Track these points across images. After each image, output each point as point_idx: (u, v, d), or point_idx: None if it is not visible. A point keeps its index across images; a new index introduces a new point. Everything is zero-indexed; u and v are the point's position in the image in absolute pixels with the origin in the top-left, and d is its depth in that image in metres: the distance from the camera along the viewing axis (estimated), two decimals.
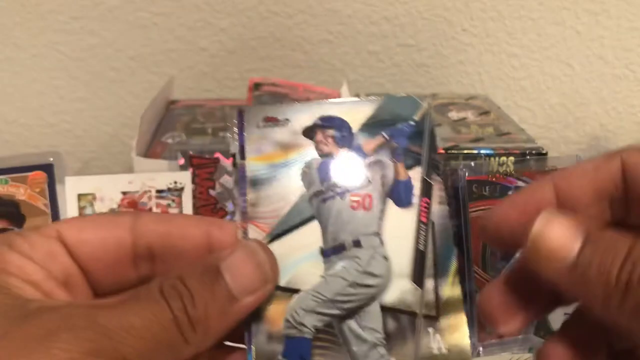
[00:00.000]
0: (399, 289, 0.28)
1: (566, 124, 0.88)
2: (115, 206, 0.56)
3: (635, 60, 0.85)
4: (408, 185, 0.30)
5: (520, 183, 0.57)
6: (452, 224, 0.29)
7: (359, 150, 0.30)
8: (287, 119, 0.31)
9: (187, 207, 0.57)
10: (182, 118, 0.71)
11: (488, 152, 0.59)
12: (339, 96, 0.73)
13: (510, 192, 0.57)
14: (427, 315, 0.28)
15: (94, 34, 0.80)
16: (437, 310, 0.28)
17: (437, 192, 0.30)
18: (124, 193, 0.57)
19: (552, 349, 0.27)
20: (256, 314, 0.27)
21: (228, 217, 0.58)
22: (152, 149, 0.64)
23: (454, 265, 0.29)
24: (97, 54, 0.81)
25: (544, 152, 0.60)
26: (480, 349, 0.56)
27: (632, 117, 0.88)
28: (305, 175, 0.30)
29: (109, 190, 0.56)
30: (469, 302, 0.55)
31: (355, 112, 0.31)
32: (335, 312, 0.28)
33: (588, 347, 0.28)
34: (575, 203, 0.28)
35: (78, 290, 0.27)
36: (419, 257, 0.29)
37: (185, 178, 0.57)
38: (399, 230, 0.29)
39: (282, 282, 0.28)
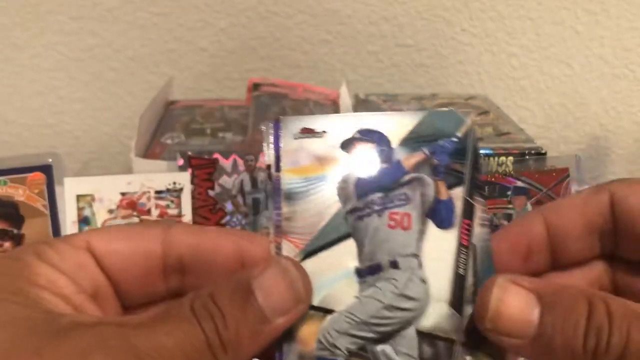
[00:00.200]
0: (437, 313, 0.27)
1: (566, 124, 0.88)
2: (114, 207, 0.56)
3: (635, 60, 0.85)
4: (449, 205, 0.29)
5: (519, 183, 0.57)
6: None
7: (398, 166, 0.29)
8: (324, 131, 0.29)
9: (186, 207, 0.57)
10: (181, 118, 0.71)
11: (487, 152, 0.59)
12: (338, 96, 0.73)
13: (509, 192, 0.57)
14: (465, 343, 0.27)
15: (93, 35, 0.80)
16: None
17: (479, 213, 0.28)
18: (123, 194, 0.57)
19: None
20: (288, 334, 0.26)
21: (227, 217, 0.58)
22: (151, 149, 0.64)
23: None
24: (97, 55, 0.81)
25: (543, 152, 0.60)
26: None
27: (632, 116, 0.88)
28: (342, 191, 0.29)
29: (108, 191, 0.56)
30: None
31: (395, 125, 0.30)
32: (370, 335, 0.27)
33: None
34: (565, 237, 0.28)
35: (107, 303, 0.27)
36: (459, 282, 0.28)
37: (184, 179, 0.57)
38: (438, 252, 0.28)
39: (315, 301, 0.27)
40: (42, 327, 0.22)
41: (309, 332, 0.27)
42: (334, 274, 0.28)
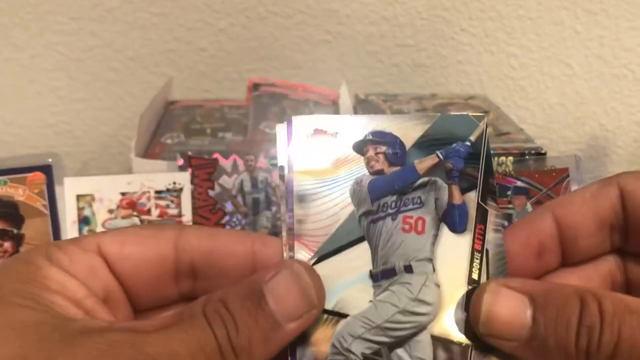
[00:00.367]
0: (451, 318, 0.27)
1: (565, 124, 0.88)
2: (114, 207, 0.56)
3: (635, 60, 0.85)
4: (462, 209, 0.28)
5: (519, 183, 0.57)
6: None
7: (411, 169, 0.29)
8: (336, 132, 0.29)
9: (186, 207, 0.57)
10: (181, 118, 0.71)
11: None
12: (338, 96, 0.73)
13: (509, 192, 0.57)
14: (479, 347, 0.27)
15: (93, 35, 0.80)
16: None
17: (493, 218, 0.28)
18: (123, 194, 0.57)
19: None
20: (302, 338, 0.26)
21: (227, 217, 0.58)
22: (151, 149, 0.64)
23: None
24: (96, 55, 0.81)
25: (543, 152, 0.60)
26: None
27: (631, 116, 0.88)
28: (355, 193, 0.28)
29: (107, 191, 0.56)
30: None
31: (408, 128, 0.29)
32: (384, 339, 0.27)
33: None
34: (576, 233, 0.28)
35: (118, 307, 0.27)
36: (473, 286, 0.27)
37: (184, 179, 0.57)
38: (452, 257, 0.28)
39: (329, 306, 0.27)
40: (53, 333, 0.22)
41: (323, 336, 0.26)
42: (348, 278, 0.27)
